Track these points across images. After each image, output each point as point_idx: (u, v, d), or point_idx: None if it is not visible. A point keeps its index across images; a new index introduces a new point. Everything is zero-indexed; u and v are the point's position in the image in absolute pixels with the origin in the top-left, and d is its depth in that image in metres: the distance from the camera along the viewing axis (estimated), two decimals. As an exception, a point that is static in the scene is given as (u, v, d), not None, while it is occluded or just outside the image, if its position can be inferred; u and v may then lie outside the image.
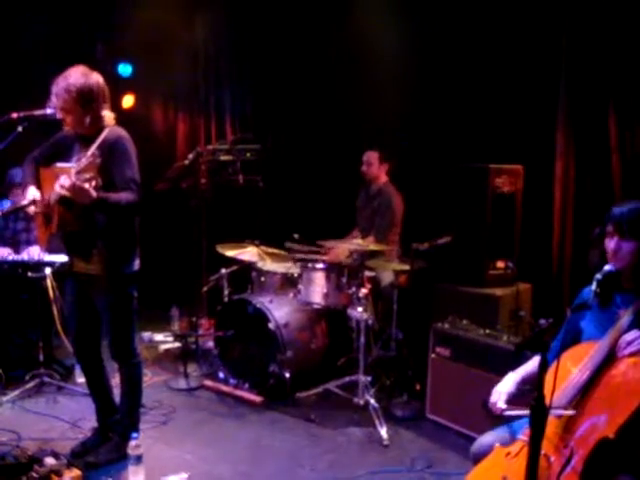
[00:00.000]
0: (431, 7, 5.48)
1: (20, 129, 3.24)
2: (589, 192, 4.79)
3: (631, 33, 4.42)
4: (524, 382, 2.58)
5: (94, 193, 3.07)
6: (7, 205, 4.83)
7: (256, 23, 6.53)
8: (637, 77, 4.43)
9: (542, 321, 2.17)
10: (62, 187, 3.08)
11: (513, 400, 2.51)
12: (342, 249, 5.20)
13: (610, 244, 2.43)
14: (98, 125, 3.38)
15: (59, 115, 3.32)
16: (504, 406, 2.48)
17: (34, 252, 4.75)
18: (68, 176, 3.08)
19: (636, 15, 4.37)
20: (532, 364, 2.59)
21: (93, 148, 3.28)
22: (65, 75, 3.30)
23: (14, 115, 3.24)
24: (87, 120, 3.33)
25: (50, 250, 3.75)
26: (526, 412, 2.07)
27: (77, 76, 3.29)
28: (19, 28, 5.84)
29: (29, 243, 5.01)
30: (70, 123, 3.35)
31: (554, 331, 2.10)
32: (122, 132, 3.45)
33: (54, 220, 3.36)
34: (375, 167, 5.45)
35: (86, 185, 3.03)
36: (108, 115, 3.45)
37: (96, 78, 3.36)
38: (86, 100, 3.29)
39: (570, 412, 2.22)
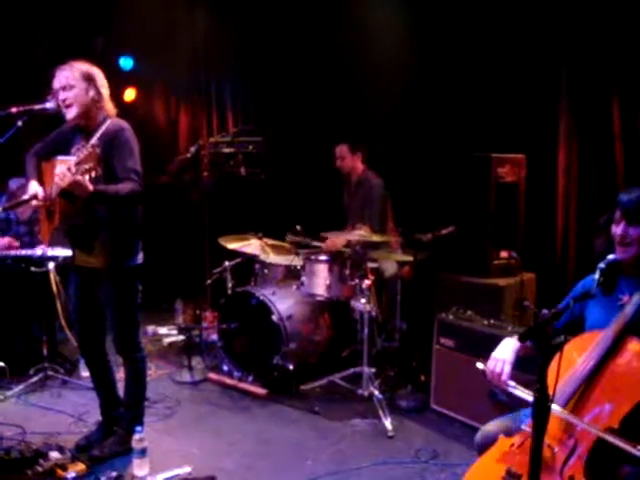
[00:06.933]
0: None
1: (20, 124, 3.22)
2: (592, 180, 4.77)
3: (634, 19, 4.38)
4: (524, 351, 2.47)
5: (91, 186, 3.06)
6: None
7: (257, 15, 6.49)
8: (640, 64, 4.41)
9: (545, 311, 2.15)
10: (60, 179, 3.07)
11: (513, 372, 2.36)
12: (339, 238, 5.18)
13: (617, 230, 2.41)
14: (100, 115, 3.39)
15: (62, 96, 3.30)
16: (510, 381, 2.33)
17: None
18: (67, 167, 3.07)
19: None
20: None
21: (94, 139, 3.28)
22: (69, 62, 3.36)
23: (13, 110, 3.22)
24: (90, 94, 3.34)
25: (53, 244, 3.73)
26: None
27: (81, 62, 3.38)
28: (18, 21, 5.82)
29: (32, 246, 4.99)
30: (72, 100, 3.31)
31: (557, 319, 2.08)
32: (124, 124, 3.45)
33: (56, 213, 3.36)
34: (348, 159, 5.46)
35: (85, 177, 3.02)
36: (111, 109, 3.46)
37: (98, 71, 3.43)
38: (89, 78, 3.35)
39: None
